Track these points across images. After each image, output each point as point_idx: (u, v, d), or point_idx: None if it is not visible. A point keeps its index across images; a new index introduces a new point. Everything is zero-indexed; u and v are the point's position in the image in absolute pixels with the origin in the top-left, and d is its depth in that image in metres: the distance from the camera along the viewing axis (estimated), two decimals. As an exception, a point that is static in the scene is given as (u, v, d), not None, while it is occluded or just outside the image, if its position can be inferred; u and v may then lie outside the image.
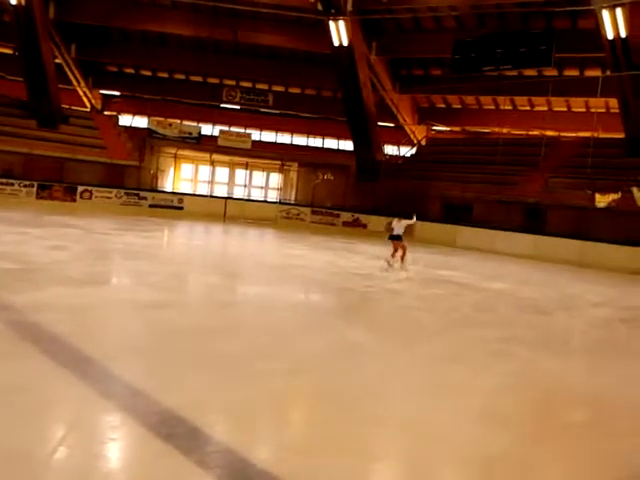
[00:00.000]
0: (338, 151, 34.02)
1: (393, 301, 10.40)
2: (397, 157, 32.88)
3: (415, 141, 32.97)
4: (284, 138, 35.09)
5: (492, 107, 31.43)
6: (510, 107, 30.66)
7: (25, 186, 24.82)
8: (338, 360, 5.97)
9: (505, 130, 29.85)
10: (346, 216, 28.62)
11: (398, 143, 33.30)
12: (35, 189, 25.01)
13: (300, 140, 35.05)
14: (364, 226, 27.84)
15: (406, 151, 32.98)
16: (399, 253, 13.84)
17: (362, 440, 3.99)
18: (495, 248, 22.48)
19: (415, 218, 14.60)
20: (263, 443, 3.98)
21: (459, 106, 32.48)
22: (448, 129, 32.80)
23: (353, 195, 29.89)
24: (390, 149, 33.18)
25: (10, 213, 18.90)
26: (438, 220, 25.71)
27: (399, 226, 13.91)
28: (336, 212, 28.88)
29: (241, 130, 33.19)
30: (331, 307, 9.42)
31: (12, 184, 24.54)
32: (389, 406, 4.70)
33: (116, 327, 6.56)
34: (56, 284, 8.31)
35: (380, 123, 30.55)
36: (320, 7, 26.09)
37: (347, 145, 32.87)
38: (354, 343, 6.76)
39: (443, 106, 32.86)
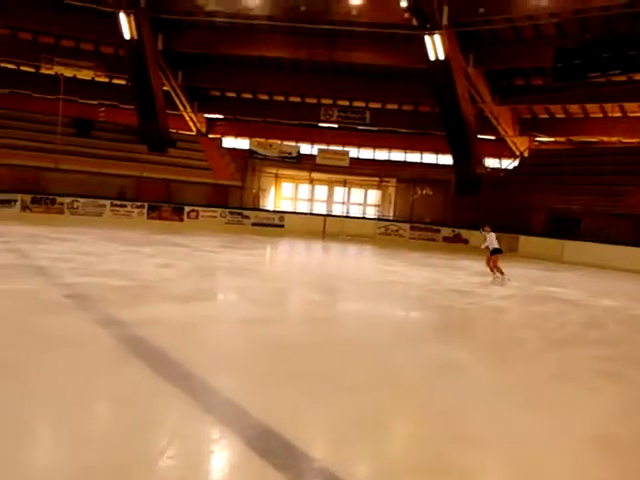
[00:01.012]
0: (437, 166, 33.60)
1: (495, 318, 10.08)
2: (499, 170, 32.02)
3: (517, 153, 31.99)
4: (382, 154, 35.13)
5: (599, 115, 29.95)
6: (619, 114, 29.09)
7: (137, 207, 26.32)
8: (437, 377, 5.86)
9: (614, 139, 28.33)
10: (446, 231, 28.14)
11: (499, 156, 32.45)
12: (146, 210, 26.46)
13: (398, 156, 34.95)
14: (465, 242, 27.24)
15: (508, 164, 32.04)
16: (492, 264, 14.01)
17: (462, 461, 3.87)
18: (605, 263, 21.27)
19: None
20: (359, 461, 3.95)
21: (563, 115, 31.21)
22: (552, 140, 31.59)
23: (453, 210, 29.36)
24: (491, 162, 32.39)
25: (124, 233, 20.08)
26: (543, 234, 24.72)
27: (492, 239, 13.97)
28: (436, 227, 28.47)
29: (339, 148, 33.60)
30: (430, 324, 9.26)
31: (125, 205, 26.10)
32: (489, 426, 4.54)
33: (218, 342, 6.77)
34: (164, 300, 8.71)
35: (480, 136, 29.93)
36: (415, 22, 26.04)
37: (446, 159, 32.40)
38: (454, 360, 6.60)
39: (546, 116, 31.70)
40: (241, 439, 3.88)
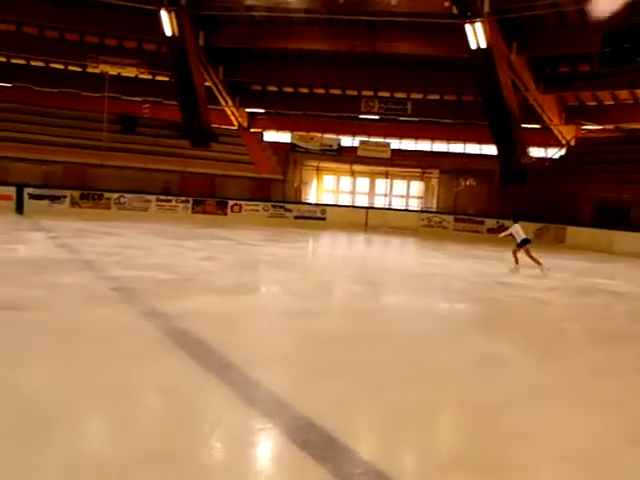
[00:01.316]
0: (480, 156, 33.06)
1: (540, 311, 9.90)
2: (544, 159, 31.31)
3: (563, 142, 31.21)
4: (424, 145, 34.77)
5: (651, 101, 28.98)
6: (673, 99, 28.10)
7: (182, 202, 26.73)
8: (480, 371, 5.80)
9: (667, 125, 27.38)
10: (490, 223, 27.68)
11: (545, 145, 31.72)
12: (190, 204, 26.86)
13: (440, 147, 34.54)
14: (510, 233, 26.72)
15: (554, 153, 31.31)
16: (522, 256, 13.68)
17: (505, 456, 3.84)
18: (658, 254, 20.61)
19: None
20: (401, 454, 3.96)
21: (611, 102, 30.26)
22: (600, 127, 30.69)
23: (497, 201, 28.86)
24: (536, 151, 31.70)
25: (168, 227, 20.45)
26: (590, 224, 24.10)
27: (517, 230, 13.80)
28: (480, 219, 28.06)
29: (380, 140, 33.39)
30: (474, 316, 9.16)
31: (170, 200, 26.54)
32: (535, 422, 4.47)
33: (261, 335, 6.86)
34: (207, 293, 8.85)
35: (524, 125, 29.30)
36: (455, 11, 25.65)
37: (490, 149, 31.85)
38: (497, 354, 6.52)
39: (593, 103, 30.79)
40: (283, 431, 3.93)
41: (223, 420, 4.19)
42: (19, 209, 23.52)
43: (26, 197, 24.01)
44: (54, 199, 24.58)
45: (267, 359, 5.67)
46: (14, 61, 31.32)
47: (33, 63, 31.56)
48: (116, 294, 8.23)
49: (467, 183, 31.33)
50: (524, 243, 13.66)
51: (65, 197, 24.75)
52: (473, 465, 3.67)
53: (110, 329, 6.31)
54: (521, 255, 13.70)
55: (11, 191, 23.85)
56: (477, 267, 15.66)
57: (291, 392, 4.67)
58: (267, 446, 3.83)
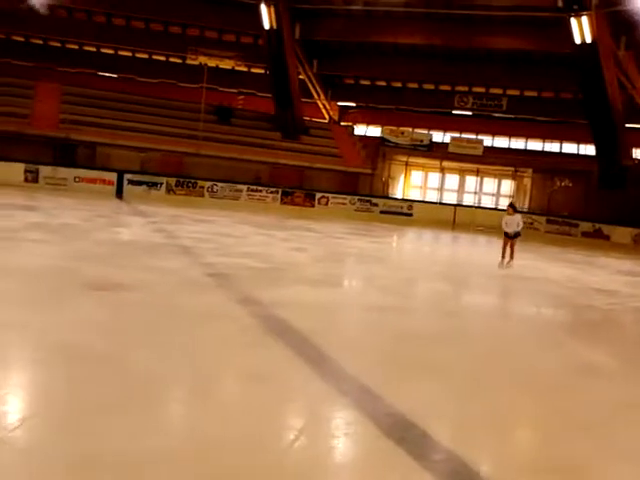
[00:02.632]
0: (578, 156, 31.72)
1: (640, 321, 9.46)
2: (648, 162, 29.66)
3: (671, 144, 29.43)
4: (518, 144, 33.72)
5: None
6: None
7: (271, 192, 27.29)
8: (572, 381, 5.62)
9: None
10: (586, 226, 26.59)
11: (650, 146, 30.01)
12: (279, 195, 27.37)
13: (535, 145, 33.39)
14: (607, 238, 25.62)
15: (660, 155, 29.58)
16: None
17: (595, 470, 3.74)
18: None
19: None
20: (489, 456, 3.93)
21: None
22: None
23: (594, 203, 27.61)
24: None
25: (259, 217, 20.94)
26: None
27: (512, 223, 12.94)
28: (574, 222, 26.99)
29: (472, 136, 32.68)
30: (567, 323, 8.88)
31: (260, 190, 27.16)
32: (628, 438, 4.31)
33: (351, 327, 6.96)
34: (297, 283, 9.04)
35: (628, 125, 27.84)
36: (561, 4, 24.66)
37: (588, 150, 30.49)
38: (592, 364, 6.30)
39: None
40: (376, 425, 3.96)
41: (316, 410, 4.29)
42: (119, 194, 24.76)
43: (125, 182, 25.25)
44: (151, 185, 25.72)
45: (358, 352, 5.76)
46: (121, 53, 32.90)
47: (138, 55, 33.03)
48: (212, 280, 8.56)
49: (562, 184, 30.19)
50: (508, 236, 12.96)
51: (162, 184, 25.83)
52: (557, 474, 3.60)
53: (207, 313, 6.58)
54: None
55: (112, 176, 25.15)
56: (571, 272, 15.09)
57: (383, 387, 4.72)
58: (360, 440, 3.87)
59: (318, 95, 33.78)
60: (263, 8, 28.21)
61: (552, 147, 33.06)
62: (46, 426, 3.59)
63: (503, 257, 12.96)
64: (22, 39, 32.11)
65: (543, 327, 8.37)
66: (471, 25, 28.10)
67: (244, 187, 26.85)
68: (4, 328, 5.31)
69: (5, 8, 30.19)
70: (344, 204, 27.94)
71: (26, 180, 23.69)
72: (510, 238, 12.96)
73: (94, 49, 32.66)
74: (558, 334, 7.79)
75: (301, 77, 31.97)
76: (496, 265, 12.78)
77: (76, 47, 32.55)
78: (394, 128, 32.56)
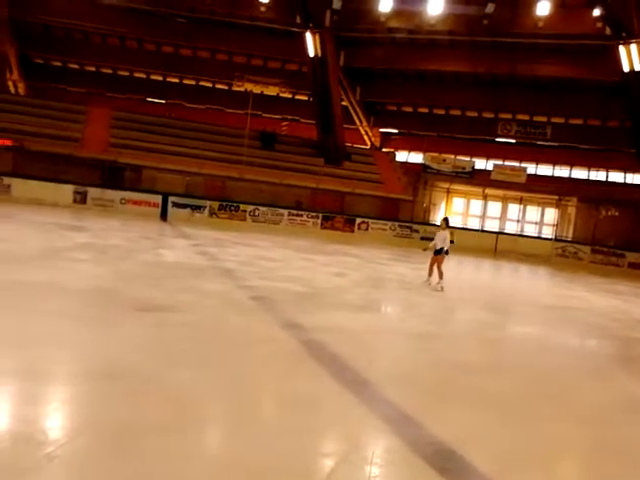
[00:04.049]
0: (625, 185, 31.09)
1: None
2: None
3: None
4: (562, 172, 33.26)
5: None
6: None
7: (311, 217, 27.45)
8: (621, 416, 5.47)
9: None
10: (633, 257, 25.93)
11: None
12: (320, 220, 27.50)
13: (580, 173, 32.87)
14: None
15: None
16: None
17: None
18: None
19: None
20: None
21: None
22: None
23: (642, 234, 26.97)
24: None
25: (299, 241, 21.08)
26: None
27: (440, 238, 12.20)
28: (620, 252, 26.34)
29: (515, 164, 32.38)
30: (613, 355, 8.64)
31: (301, 215, 27.35)
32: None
33: (392, 354, 6.91)
34: (338, 308, 9.05)
35: (679, 154, 27.23)
36: (608, 32, 24.42)
37: (636, 179, 29.88)
38: (641, 399, 6.13)
39: None
40: (418, 455, 3.93)
41: (358, 436, 4.28)
42: (163, 216, 25.25)
43: (170, 205, 25.75)
44: (195, 208, 26.15)
45: (399, 379, 5.72)
46: (169, 79, 33.86)
47: (185, 81, 33.92)
48: (255, 303, 8.64)
49: (609, 213, 29.55)
50: (439, 252, 12.29)
51: (205, 207, 26.26)
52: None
53: (249, 336, 6.65)
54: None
55: (157, 199, 25.69)
56: (617, 303, 14.72)
57: (425, 415, 4.68)
58: (404, 470, 3.83)
59: (360, 121, 34.03)
60: (308, 36, 28.72)
61: (598, 175, 32.48)
62: (92, 443, 3.67)
63: (430, 275, 12.29)
64: (77, 67, 33.38)
65: (589, 359, 8.17)
66: (516, 52, 28.02)
67: (285, 211, 27.09)
68: (52, 346, 5.46)
69: (61, 36, 31.52)
70: (384, 230, 27.90)
71: (75, 201, 24.37)
72: (435, 254, 12.30)
73: (144, 76, 33.73)
74: (606, 367, 7.59)
75: (344, 104, 32.30)
76: (540, 294, 12.57)
77: (127, 74, 33.68)
78: (436, 155, 32.50)
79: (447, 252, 12.35)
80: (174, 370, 5.10)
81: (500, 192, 32.36)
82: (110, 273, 9.73)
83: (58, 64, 33.17)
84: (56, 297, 7.43)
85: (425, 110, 34.20)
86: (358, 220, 27.84)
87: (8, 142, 25.43)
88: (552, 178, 32.64)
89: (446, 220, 12.84)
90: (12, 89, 31.97)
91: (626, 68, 24.65)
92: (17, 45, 31.08)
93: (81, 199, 24.55)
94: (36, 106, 28.06)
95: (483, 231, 30.92)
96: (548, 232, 32.53)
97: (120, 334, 6.08)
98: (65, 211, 21.27)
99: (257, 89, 30.39)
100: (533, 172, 32.45)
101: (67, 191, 24.30)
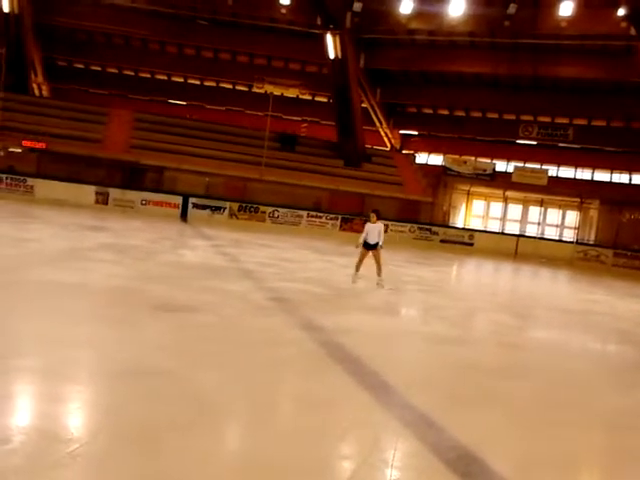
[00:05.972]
0: (649, 188, 30.69)
1: None
2: None
3: None
4: (584, 174, 32.89)
5: None
6: None
7: (330, 219, 27.46)
8: (646, 423, 5.40)
9: None
10: (657, 260, 25.58)
11: None
12: (339, 221, 27.50)
13: (603, 176, 32.49)
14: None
15: None
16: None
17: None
18: None
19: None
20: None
21: None
22: None
23: (666, 237, 26.60)
24: None
25: (318, 242, 21.10)
26: None
27: (373, 231, 11.28)
28: (644, 255, 26.00)
29: (537, 166, 32.11)
30: (636, 361, 8.52)
31: (320, 217, 27.38)
32: None
33: (411, 357, 6.89)
34: (358, 310, 9.05)
35: None
36: (634, 32, 24.11)
37: (660, 181, 29.48)
38: (666, 406, 6.03)
39: None
40: (439, 458, 3.90)
41: (377, 439, 4.26)
42: (183, 216, 25.44)
43: (190, 206, 25.94)
44: (215, 209, 26.31)
45: (418, 382, 5.70)
46: (190, 81, 34.11)
47: (206, 83, 34.16)
48: (274, 304, 8.66)
49: (632, 216, 29.18)
50: (368, 246, 11.46)
51: (225, 208, 26.41)
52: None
53: (269, 337, 6.66)
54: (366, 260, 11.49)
55: (178, 200, 25.89)
56: (641, 308, 14.52)
57: (445, 418, 4.65)
58: (425, 473, 3.80)
59: (380, 123, 33.98)
60: (328, 38, 28.76)
61: (621, 178, 32.09)
62: (114, 442, 3.70)
63: (357, 270, 11.48)
64: (99, 68, 33.77)
65: (612, 364, 8.06)
66: (537, 54, 27.83)
67: (304, 213, 27.14)
68: (76, 345, 5.52)
69: (83, 39, 31.91)
70: (403, 232, 27.81)
71: (97, 202, 24.66)
72: (369, 249, 11.52)
73: (165, 77, 34.04)
74: (629, 373, 7.49)
75: (364, 105, 32.28)
76: (562, 298, 12.43)
77: (148, 76, 34.01)
78: (456, 157, 32.37)
79: (382, 246, 11.62)
80: (195, 370, 5.13)
81: (521, 194, 32.13)
82: (132, 273, 9.82)
83: (81, 66, 33.62)
84: (81, 297, 7.52)
85: (445, 112, 34.06)
86: (377, 222, 27.73)
87: (42, 145, 25.74)
88: (574, 180, 32.32)
89: (376, 212, 11.89)
90: (37, 91, 32.44)
91: (651, 69, 24.33)
92: (41, 48, 31.54)
93: (103, 200, 24.82)
94: (59, 108, 28.45)
95: (503, 234, 30.69)
96: (569, 235, 32.22)
97: (142, 334, 6.13)
98: (87, 212, 21.51)
99: (277, 91, 30.50)
100: (554, 174, 32.15)
101: (89, 192, 24.59)
